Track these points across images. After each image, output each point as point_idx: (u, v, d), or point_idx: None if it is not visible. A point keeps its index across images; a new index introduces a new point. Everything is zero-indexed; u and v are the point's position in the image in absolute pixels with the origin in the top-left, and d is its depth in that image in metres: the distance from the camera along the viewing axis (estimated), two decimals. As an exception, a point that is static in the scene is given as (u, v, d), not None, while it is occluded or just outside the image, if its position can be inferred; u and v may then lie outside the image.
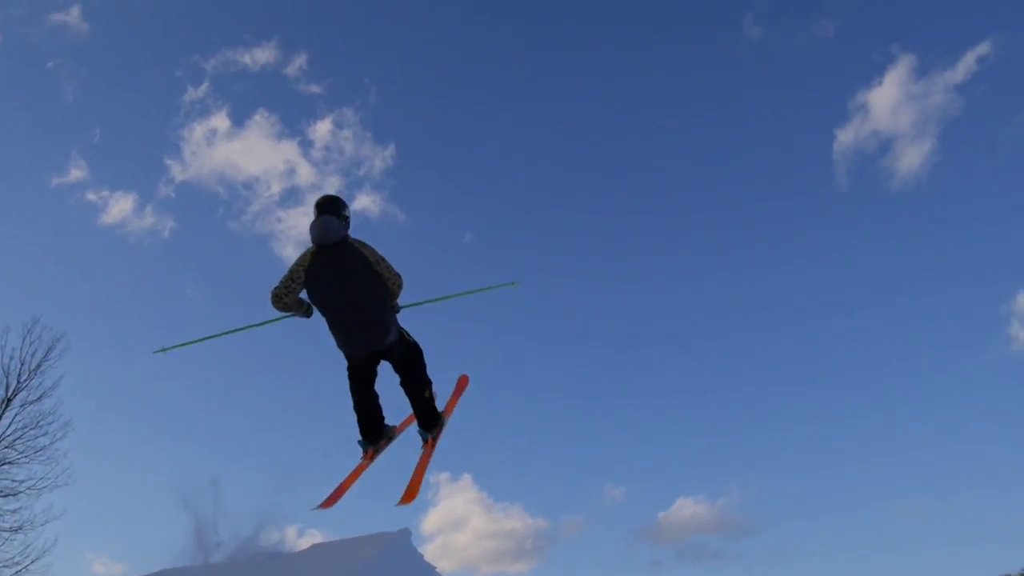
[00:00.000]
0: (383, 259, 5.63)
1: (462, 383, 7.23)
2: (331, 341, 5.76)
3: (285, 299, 5.66)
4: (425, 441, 6.20)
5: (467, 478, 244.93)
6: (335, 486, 6.24)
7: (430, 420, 6.15)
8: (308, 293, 5.65)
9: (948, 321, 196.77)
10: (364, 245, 5.63)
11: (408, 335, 6.01)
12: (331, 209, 5.60)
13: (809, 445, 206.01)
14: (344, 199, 5.70)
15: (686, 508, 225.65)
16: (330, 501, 6.17)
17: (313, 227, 5.52)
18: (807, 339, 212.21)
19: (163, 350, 6.86)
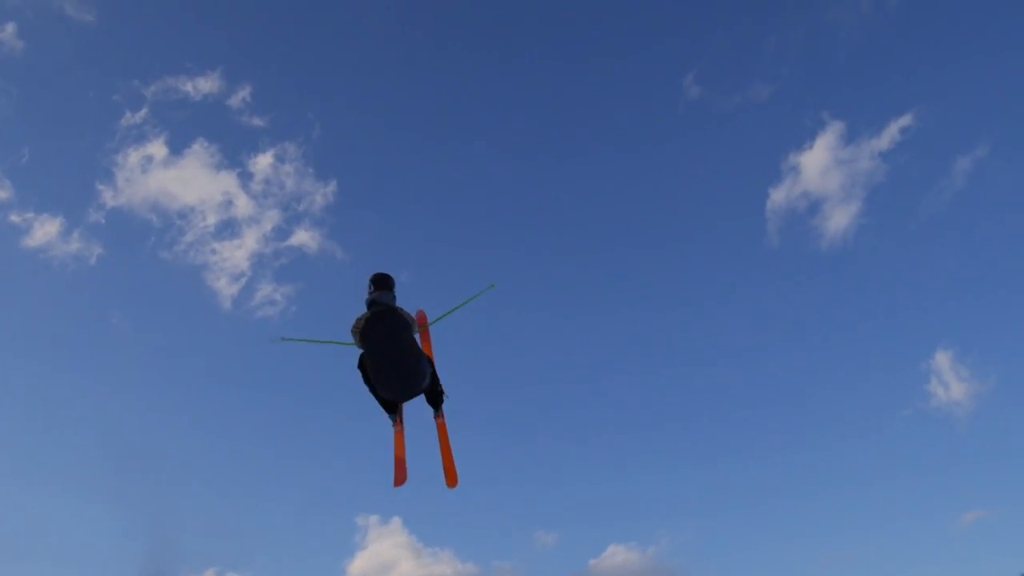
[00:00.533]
0: (412, 318, 6.92)
1: (423, 321, 7.78)
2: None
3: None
4: (436, 416, 7.24)
5: (397, 521, 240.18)
6: (393, 465, 7.28)
7: (439, 400, 7.24)
8: (365, 350, 6.79)
9: (871, 377, 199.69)
10: (404, 311, 6.84)
11: (429, 364, 7.11)
12: (387, 286, 6.87)
13: (739, 495, 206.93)
14: (393, 277, 7.00)
15: (617, 555, 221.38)
16: (400, 479, 7.31)
17: (371, 299, 6.78)
18: (736, 387, 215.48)
19: (285, 340, 7.45)
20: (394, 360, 6.67)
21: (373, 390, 6.92)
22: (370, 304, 6.77)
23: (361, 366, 6.89)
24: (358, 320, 6.74)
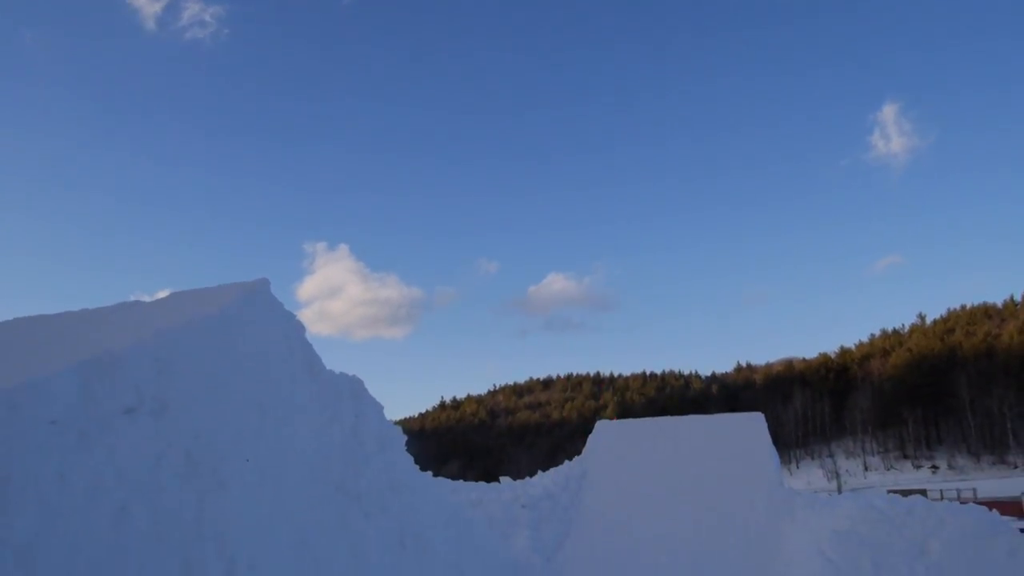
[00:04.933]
0: None
1: None
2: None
3: None
4: None
5: (344, 248, 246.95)
6: None
7: None
8: None
9: (817, 123, 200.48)
10: None
11: None
12: None
13: (669, 232, 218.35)
14: None
15: (556, 283, 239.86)
16: None
17: None
18: (675, 113, 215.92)
19: None
20: None
21: None
22: None
23: None
24: None
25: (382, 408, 8.15)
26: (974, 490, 41.67)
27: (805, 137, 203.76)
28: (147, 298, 6.95)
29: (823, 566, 9.50)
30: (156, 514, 4.46)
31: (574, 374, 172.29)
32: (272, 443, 5.92)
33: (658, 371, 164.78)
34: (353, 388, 7.67)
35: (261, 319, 6.55)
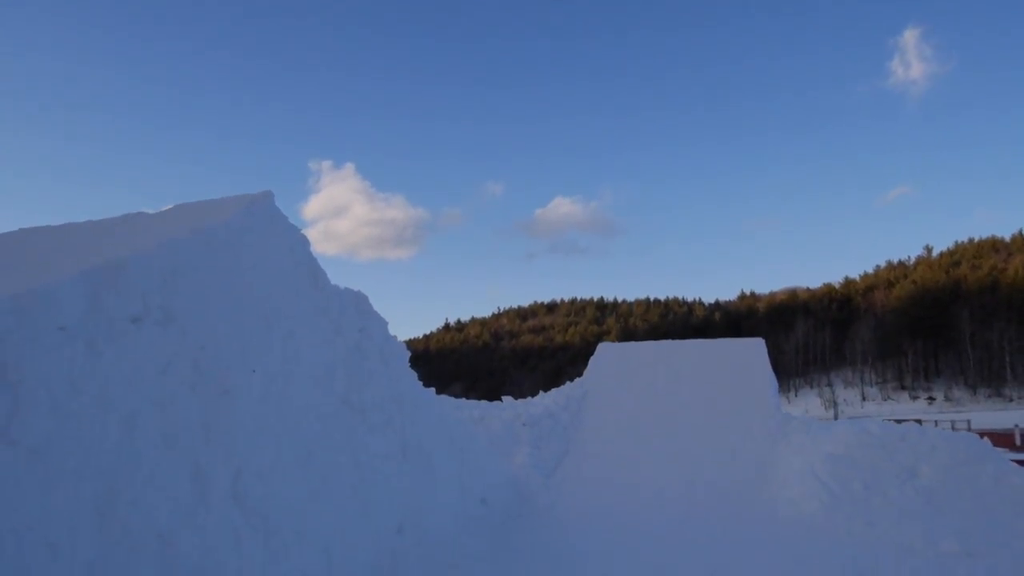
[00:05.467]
0: None
1: None
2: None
3: None
4: None
5: (350, 167, 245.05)
6: None
7: None
8: None
9: (835, 45, 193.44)
10: None
11: None
12: None
13: (677, 158, 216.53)
14: None
15: (562, 207, 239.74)
16: None
17: None
18: (685, 51, 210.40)
19: None
20: None
21: None
22: None
23: None
24: None
25: (386, 324, 8.23)
26: (968, 421, 42.25)
27: (823, 61, 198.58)
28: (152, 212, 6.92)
29: (815, 487, 9.73)
30: (165, 422, 4.57)
31: (578, 299, 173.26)
32: (277, 355, 6.01)
33: (662, 297, 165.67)
34: (358, 303, 7.73)
35: (265, 231, 6.55)
